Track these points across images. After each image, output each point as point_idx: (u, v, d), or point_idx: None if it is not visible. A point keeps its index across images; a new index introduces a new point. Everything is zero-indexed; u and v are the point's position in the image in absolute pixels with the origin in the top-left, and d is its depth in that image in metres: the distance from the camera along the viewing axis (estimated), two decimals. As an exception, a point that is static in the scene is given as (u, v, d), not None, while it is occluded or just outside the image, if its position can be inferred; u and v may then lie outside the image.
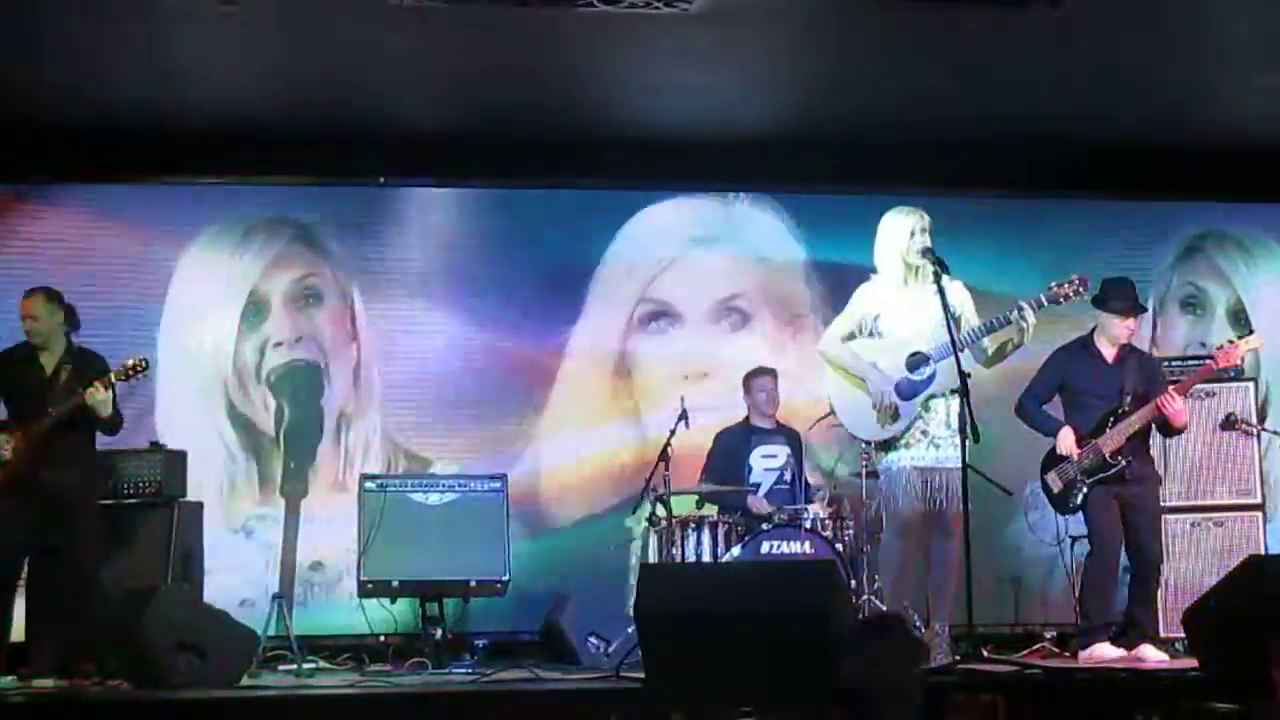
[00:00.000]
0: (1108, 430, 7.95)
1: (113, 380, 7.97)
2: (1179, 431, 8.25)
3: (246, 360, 10.21)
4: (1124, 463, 7.92)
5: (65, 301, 8.16)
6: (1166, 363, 9.10)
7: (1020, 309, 7.47)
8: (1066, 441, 7.99)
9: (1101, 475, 7.93)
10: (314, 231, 10.37)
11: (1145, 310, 8.44)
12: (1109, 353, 8.12)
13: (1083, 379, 8.13)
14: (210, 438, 10.03)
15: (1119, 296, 8.09)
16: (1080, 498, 7.98)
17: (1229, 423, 9.06)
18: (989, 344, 7.65)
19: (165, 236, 10.15)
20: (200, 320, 10.19)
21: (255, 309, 10.28)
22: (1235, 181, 10.54)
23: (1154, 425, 8.09)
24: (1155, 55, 8.89)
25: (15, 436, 7.86)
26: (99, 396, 7.88)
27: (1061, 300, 7.54)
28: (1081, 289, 7.57)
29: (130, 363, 8.08)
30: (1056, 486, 8.06)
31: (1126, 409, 7.96)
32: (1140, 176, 10.51)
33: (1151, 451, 8.30)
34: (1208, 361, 8.24)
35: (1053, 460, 8.09)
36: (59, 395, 7.94)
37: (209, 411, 10.13)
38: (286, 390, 10.23)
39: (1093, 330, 8.24)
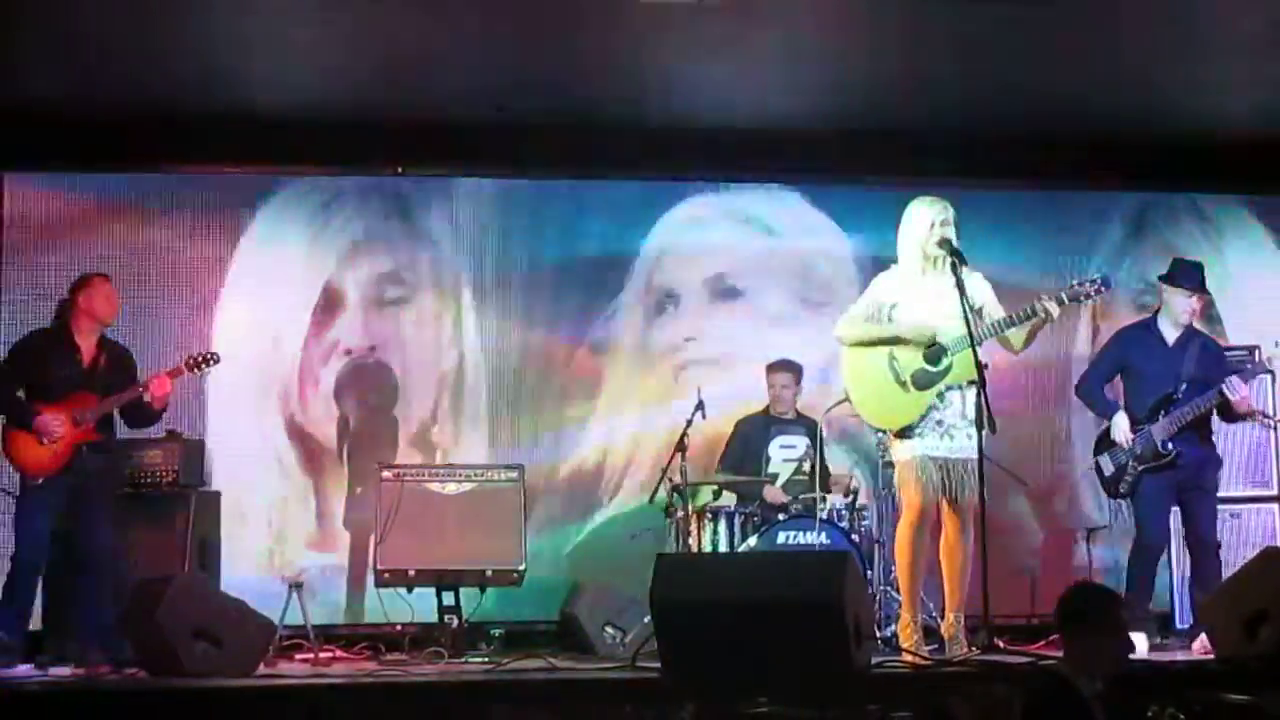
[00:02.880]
0: (1161, 417, 7.95)
1: (184, 370, 8.11)
2: (1243, 418, 8.27)
3: (311, 363, 9.90)
4: (1176, 452, 7.92)
5: None
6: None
7: (1042, 300, 7.43)
8: (1121, 426, 8.03)
9: (1153, 464, 7.95)
10: (413, 214, 10.08)
11: (1207, 293, 8.48)
12: (1171, 335, 8.13)
13: (1143, 360, 8.14)
14: (266, 454, 9.74)
15: (1186, 274, 8.14)
16: (1130, 484, 8.01)
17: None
18: (1017, 333, 7.60)
19: (220, 222, 9.89)
20: (264, 314, 9.88)
21: (327, 302, 9.95)
22: (1243, 174, 10.49)
23: (1215, 410, 8.09)
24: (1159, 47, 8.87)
25: (66, 423, 7.87)
26: (166, 390, 8.00)
27: (1081, 299, 7.55)
28: (1103, 288, 7.56)
29: (198, 355, 8.16)
30: (1108, 470, 8.13)
31: (1180, 396, 7.97)
32: (1149, 168, 10.48)
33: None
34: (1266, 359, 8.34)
35: (1106, 443, 8.14)
36: (100, 385, 7.98)
37: (264, 423, 9.79)
38: (351, 395, 9.95)
39: (1156, 311, 8.26)
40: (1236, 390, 7.95)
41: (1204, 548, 8.04)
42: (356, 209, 10.07)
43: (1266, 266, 10.70)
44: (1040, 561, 10.10)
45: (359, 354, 9.97)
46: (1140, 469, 7.96)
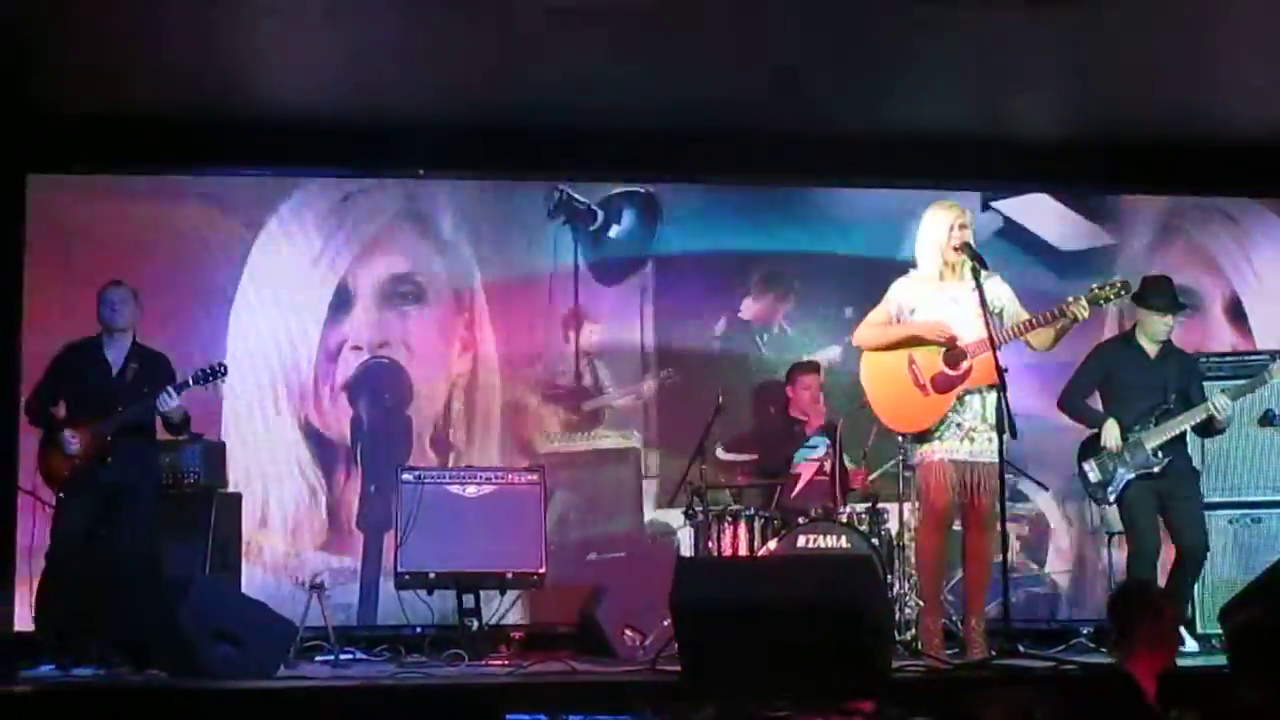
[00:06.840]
0: (1152, 427, 7.99)
1: (190, 383, 8.08)
2: (1219, 432, 8.28)
3: (321, 362, 9.89)
4: (1166, 460, 7.95)
5: (138, 297, 8.27)
6: (1208, 358, 9.09)
7: (1069, 303, 7.42)
8: (1111, 433, 8.03)
9: (1142, 471, 7.97)
10: (426, 217, 10.07)
11: (1185, 308, 8.55)
12: (1151, 349, 8.17)
13: (1125, 374, 8.18)
14: (280, 455, 9.77)
15: (1157, 294, 8.18)
16: (1118, 491, 8.02)
17: (1266, 419, 9.03)
18: (1043, 334, 7.59)
19: (235, 223, 9.87)
20: (277, 314, 9.90)
21: (340, 303, 9.96)
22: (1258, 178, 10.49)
23: (1196, 426, 8.13)
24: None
25: (82, 433, 7.93)
26: (173, 403, 7.99)
27: (1102, 303, 7.57)
28: (1123, 291, 7.58)
29: (208, 367, 8.17)
30: (1094, 476, 8.11)
31: (1171, 407, 8.02)
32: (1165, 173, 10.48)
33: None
34: (1262, 373, 8.27)
35: (1092, 450, 8.13)
36: (125, 393, 8.02)
37: (280, 423, 9.82)
38: (365, 394, 9.94)
39: (1134, 327, 8.30)
40: (1223, 410, 8.04)
41: (1190, 556, 8.05)
42: (373, 208, 10.07)
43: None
44: (1064, 565, 10.09)
45: (373, 354, 9.98)
46: (1129, 476, 7.99)
